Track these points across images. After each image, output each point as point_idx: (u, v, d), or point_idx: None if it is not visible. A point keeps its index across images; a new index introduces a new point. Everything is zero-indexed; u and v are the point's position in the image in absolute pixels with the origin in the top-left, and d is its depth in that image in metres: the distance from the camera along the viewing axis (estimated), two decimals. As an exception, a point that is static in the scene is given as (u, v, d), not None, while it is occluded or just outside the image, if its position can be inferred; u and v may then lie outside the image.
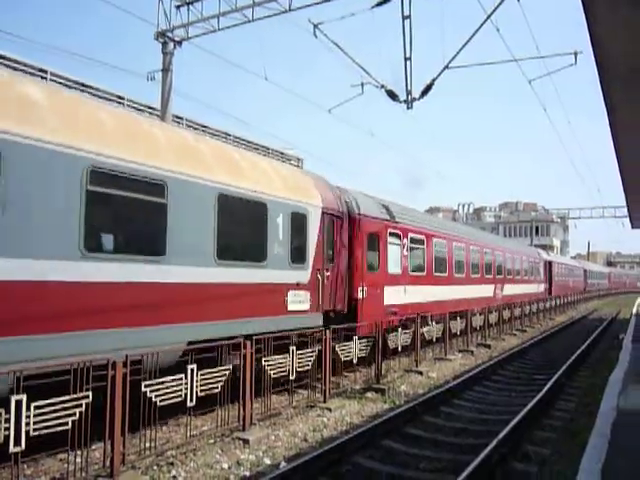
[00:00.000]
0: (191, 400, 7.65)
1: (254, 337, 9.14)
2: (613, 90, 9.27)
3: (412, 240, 17.35)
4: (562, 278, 45.60)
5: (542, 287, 37.70)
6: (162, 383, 7.26)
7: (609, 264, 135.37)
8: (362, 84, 15.25)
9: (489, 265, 25.99)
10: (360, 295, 13.95)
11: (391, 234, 16.03)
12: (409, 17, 13.37)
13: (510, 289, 28.94)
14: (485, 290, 25.10)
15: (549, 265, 40.01)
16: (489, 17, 12.67)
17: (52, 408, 6.00)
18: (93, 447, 6.85)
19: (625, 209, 28.30)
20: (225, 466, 7.33)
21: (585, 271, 61.06)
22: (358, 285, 13.95)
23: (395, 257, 16.22)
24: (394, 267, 16.09)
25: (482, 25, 12.90)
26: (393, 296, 15.74)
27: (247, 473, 7.14)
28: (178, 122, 26.03)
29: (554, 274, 41.23)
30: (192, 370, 7.67)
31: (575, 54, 14.06)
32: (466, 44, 13.32)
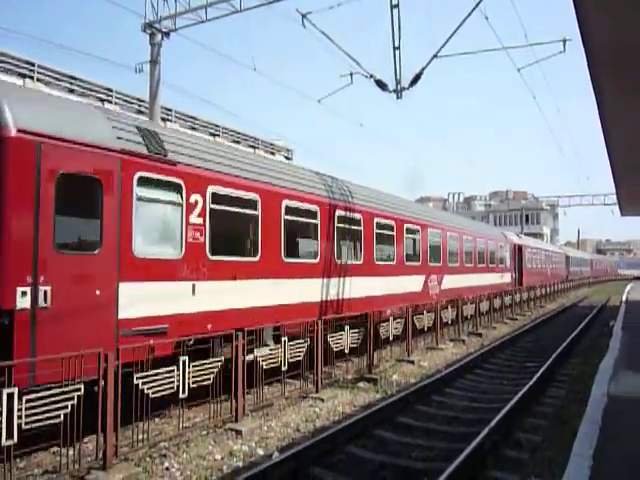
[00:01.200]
0: (183, 392, 7.65)
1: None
2: (602, 78, 9.28)
3: (217, 198, 9.91)
4: (537, 266, 40.07)
5: (508, 277, 31.21)
6: (154, 375, 7.25)
7: (599, 252, 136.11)
8: (351, 74, 15.21)
9: (417, 248, 18.71)
10: (21, 303, 6.75)
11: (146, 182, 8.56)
12: (397, 6, 13.34)
13: (454, 281, 21.80)
14: (408, 283, 17.62)
15: (519, 250, 33.97)
16: (478, 5, 12.66)
17: (44, 401, 5.99)
18: (86, 440, 6.84)
19: (614, 196, 28.37)
20: (218, 457, 7.34)
21: (567, 258, 56.96)
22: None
23: (153, 225, 8.90)
24: (150, 244, 8.70)
25: (471, 13, 12.88)
26: (148, 301, 8.33)
27: (240, 464, 7.16)
28: (167, 114, 25.94)
29: (526, 261, 35.57)
30: (184, 362, 7.67)
31: (564, 41, 14.08)
32: (455, 32, 13.31)
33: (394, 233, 16.80)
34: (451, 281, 21.54)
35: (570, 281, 50.60)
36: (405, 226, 17.50)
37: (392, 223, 16.68)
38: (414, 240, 18.59)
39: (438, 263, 20.48)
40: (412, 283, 18.04)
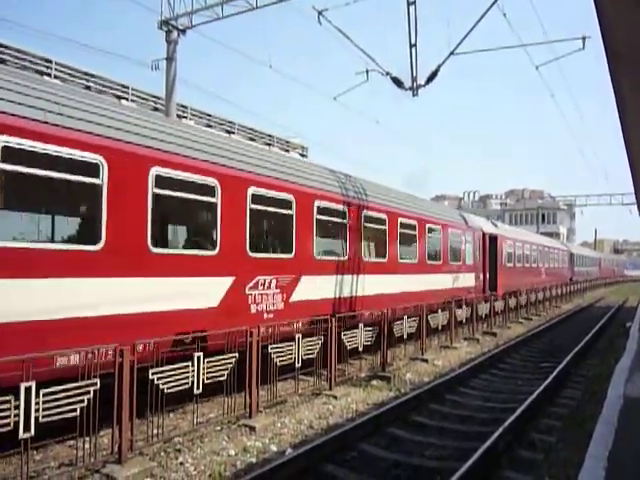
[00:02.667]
0: (198, 388, 7.69)
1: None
2: (621, 76, 9.17)
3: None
4: (524, 264, 31.06)
5: (469, 279, 22.19)
6: (169, 370, 7.30)
7: (616, 251, 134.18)
8: (367, 71, 15.19)
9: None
10: None
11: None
12: (414, 3, 13.29)
13: (374, 284, 14.67)
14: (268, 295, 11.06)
15: (493, 243, 25.08)
16: (495, 1, 12.56)
17: (61, 395, 6.05)
18: (101, 433, 6.90)
19: (633, 196, 28.00)
20: (232, 453, 7.38)
21: (572, 255, 48.36)
22: None
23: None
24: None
25: (488, 10, 12.81)
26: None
27: (253, 460, 7.18)
28: (183, 111, 26.02)
29: (504, 258, 26.75)
30: (199, 358, 7.70)
31: (583, 39, 13.94)
32: (472, 30, 13.25)
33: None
34: (370, 284, 14.44)
35: (574, 283, 43.17)
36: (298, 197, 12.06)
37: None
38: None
39: (341, 258, 13.41)
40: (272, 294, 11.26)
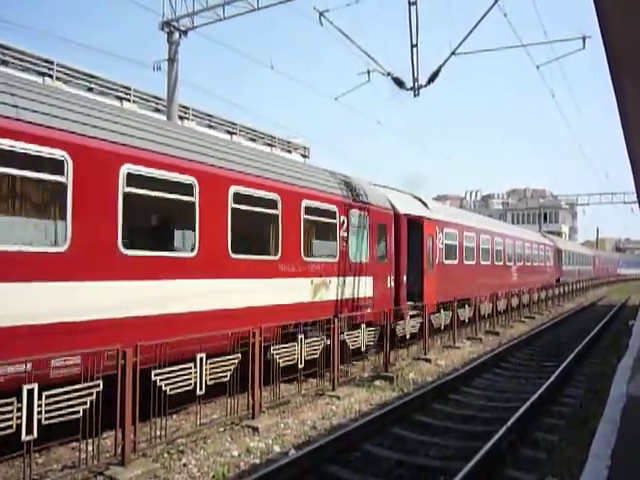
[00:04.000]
0: (200, 389, 7.69)
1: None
2: (622, 75, 9.15)
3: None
4: (474, 263, 22.59)
5: (366, 288, 14.09)
6: (172, 372, 7.30)
7: (618, 250, 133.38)
8: (368, 72, 15.14)
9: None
10: None
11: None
12: (415, 3, 13.27)
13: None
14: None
15: (409, 229, 16.43)
16: (496, 2, 12.56)
17: (64, 397, 6.05)
18: (104, 435, 6.91)
19: (635, 195, 27.90)
20: (235, 454, 7.38)
21: (559, 252, 40.00)
22: None
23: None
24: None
25: (489, 10, 12.79)
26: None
27: (257, 460, 7.18)
28: (185, 112, 26.04)
29: (438, 252, 18.50)
30: (201, 359, 7.71)
31: (583, 38, 13.91)
32: (473, 30, 13.22)
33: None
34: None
35: (561, 285, 36.17)
36: None
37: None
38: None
39: None
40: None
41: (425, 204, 19.19)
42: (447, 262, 19.40)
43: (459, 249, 20.91)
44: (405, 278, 16.14)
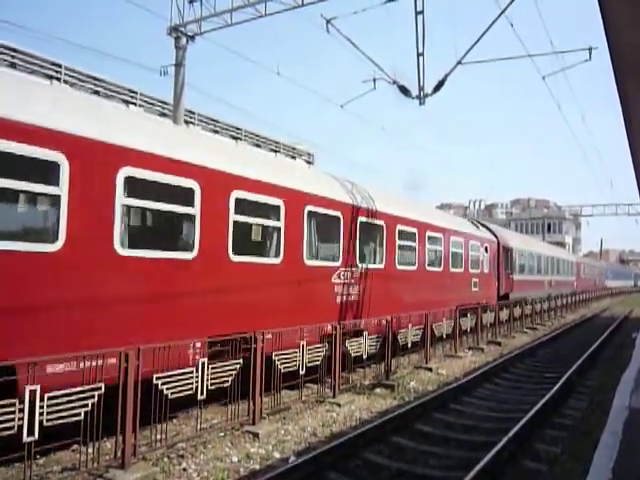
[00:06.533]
0: (202, 393, 7.68)
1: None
2: (628, 85, 9.18)
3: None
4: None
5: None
6: (173, 376, 7.29)
7: (622, 262, 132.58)
8: (374, 80, 15.20)
9: None
10: None
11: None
12: (422, 12, 13.32)
13: None
14: None
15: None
16: (503, 12, 12.59)
17: (66, 399, 6.04)
18: (105, 439, 6.90)
19: (639, 207, 27.89)
20: (235, 459, 7.36)
21: (509, 252, 26.34)
22: None
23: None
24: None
25: (496, 20, 12.82)
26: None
27: (257, 466, 7.17)
28: (191, 117, 26.12)
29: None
30: (203, 363, 7.70)
31: (590, 50, 13.94)
32: (479, 39, 13.26)
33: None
34: None
35: (506, 306, 23.06)
36: None
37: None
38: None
39: None
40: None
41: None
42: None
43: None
44: None
